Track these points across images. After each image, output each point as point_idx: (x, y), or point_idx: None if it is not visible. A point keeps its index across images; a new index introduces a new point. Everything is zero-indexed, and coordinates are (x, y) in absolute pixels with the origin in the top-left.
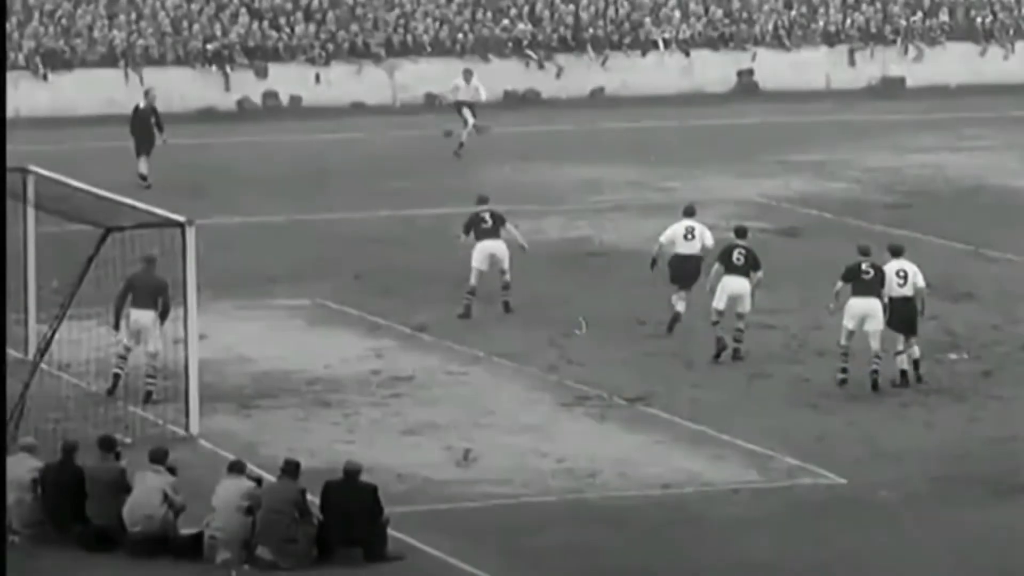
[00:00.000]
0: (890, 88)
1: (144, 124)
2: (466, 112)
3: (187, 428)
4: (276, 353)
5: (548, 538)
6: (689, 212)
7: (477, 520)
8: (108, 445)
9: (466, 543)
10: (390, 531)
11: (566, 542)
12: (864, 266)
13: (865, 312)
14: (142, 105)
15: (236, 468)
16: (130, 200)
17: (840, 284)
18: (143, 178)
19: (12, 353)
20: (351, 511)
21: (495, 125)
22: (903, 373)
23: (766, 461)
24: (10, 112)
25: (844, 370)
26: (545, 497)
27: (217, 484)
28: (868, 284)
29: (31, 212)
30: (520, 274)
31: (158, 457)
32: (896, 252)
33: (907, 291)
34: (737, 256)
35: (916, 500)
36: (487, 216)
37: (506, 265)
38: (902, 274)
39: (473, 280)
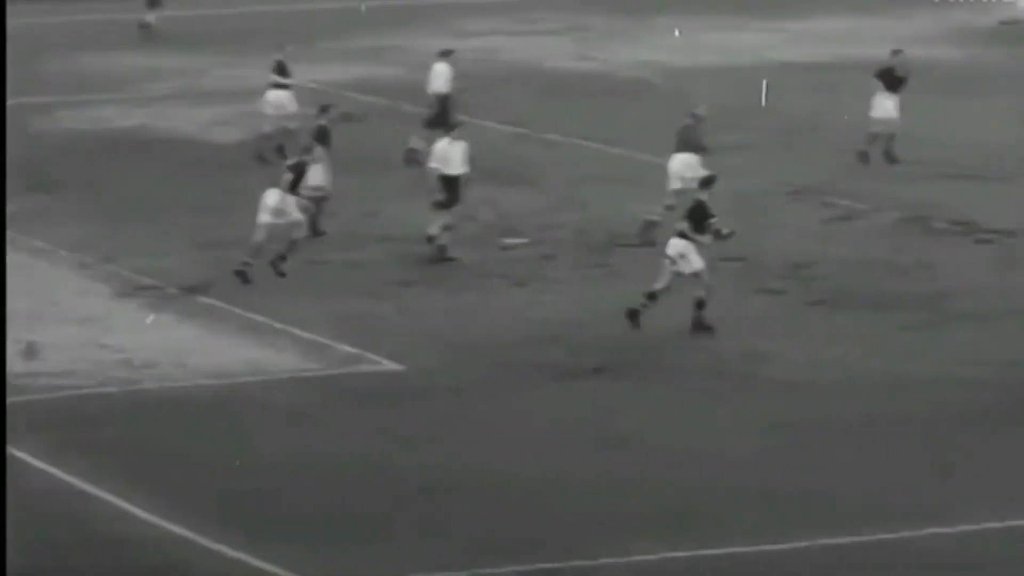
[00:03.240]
0: None
1: None
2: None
3: None
4: None
5: (110, 429)
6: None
7: (43, 412)
8: None
9: (29, 435)
10: None
11: (127, 432)
12: None
13: None
14: None
15: None
16: None
17: None
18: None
19: None
20: None
21: None
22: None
23: (324, 349)
24: None
25: None
26: (106, 388)
27: None
28: None
29: None
30: (75, 162)
31: None
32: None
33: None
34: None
35: (477, 385)
36: None
37: None
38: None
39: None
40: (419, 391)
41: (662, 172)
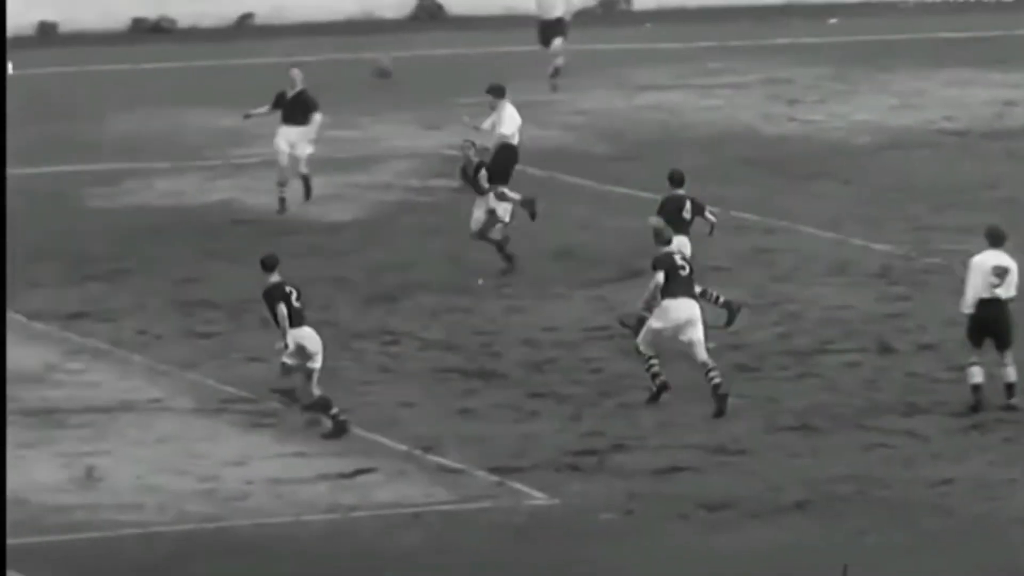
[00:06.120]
0: (611, 11)
1: None
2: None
3: None
4: None
5: None
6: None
7: (102, 555)
8: None
9: None
10: None
11: None
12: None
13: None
14: None
15: None
16: None
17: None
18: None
19: None
20: None
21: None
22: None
23: (456, 476)
24: None
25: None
26: (182, 525)
27: None
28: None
29: None
30: (153, 247)
31: None
32: None
33: None
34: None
35: (637, 523)
36: None
37: None
38: None
39: None
40: (577, 529)
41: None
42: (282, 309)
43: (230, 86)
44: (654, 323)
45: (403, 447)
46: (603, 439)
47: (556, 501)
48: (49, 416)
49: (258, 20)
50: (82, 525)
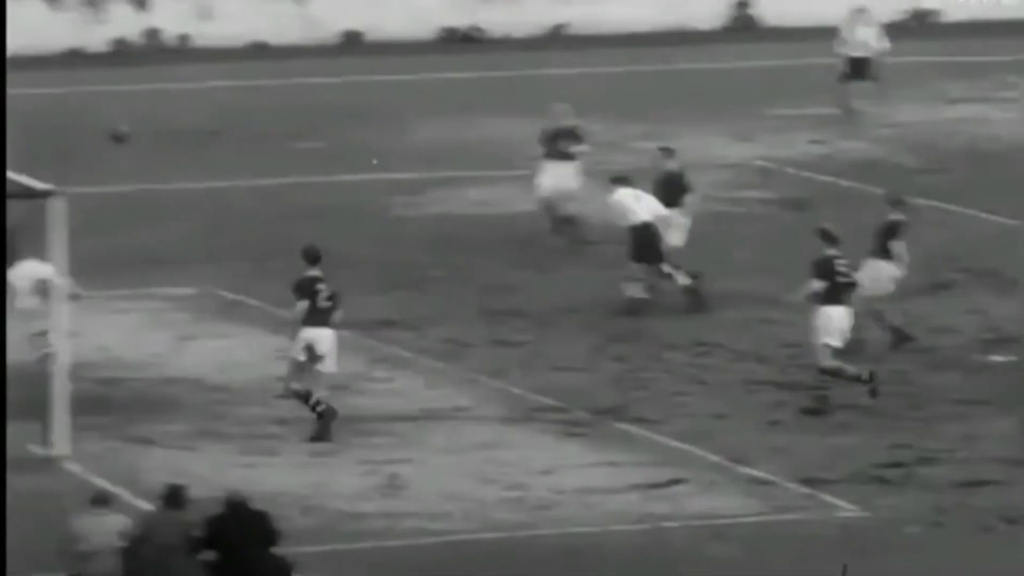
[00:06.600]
0: (923, 23)
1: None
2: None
3: (48, 447)
4: (156, 355)
5: None
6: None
7: (405, 562)
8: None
9: None
10: None
11: None
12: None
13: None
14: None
15: (102, 501)
16: None
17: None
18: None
19: None
20: (242, 547)
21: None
22: None
23: (767, 488)
24: None
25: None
26: (490, 533)
27: (82, 521)
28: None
29: None
30: (460, 256)
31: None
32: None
33: None
34: None
35: (943, 536)
36: None
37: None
38: None
39: None
40: (885, 543)
41: None
42: (302, 305)
43: (542, 96)
44: (825, 323)
45: (715, 458)
46: (910, 452)
47: (867, 514)
48: (353, 424)
49: (572, 30)
50: (382, 533)
